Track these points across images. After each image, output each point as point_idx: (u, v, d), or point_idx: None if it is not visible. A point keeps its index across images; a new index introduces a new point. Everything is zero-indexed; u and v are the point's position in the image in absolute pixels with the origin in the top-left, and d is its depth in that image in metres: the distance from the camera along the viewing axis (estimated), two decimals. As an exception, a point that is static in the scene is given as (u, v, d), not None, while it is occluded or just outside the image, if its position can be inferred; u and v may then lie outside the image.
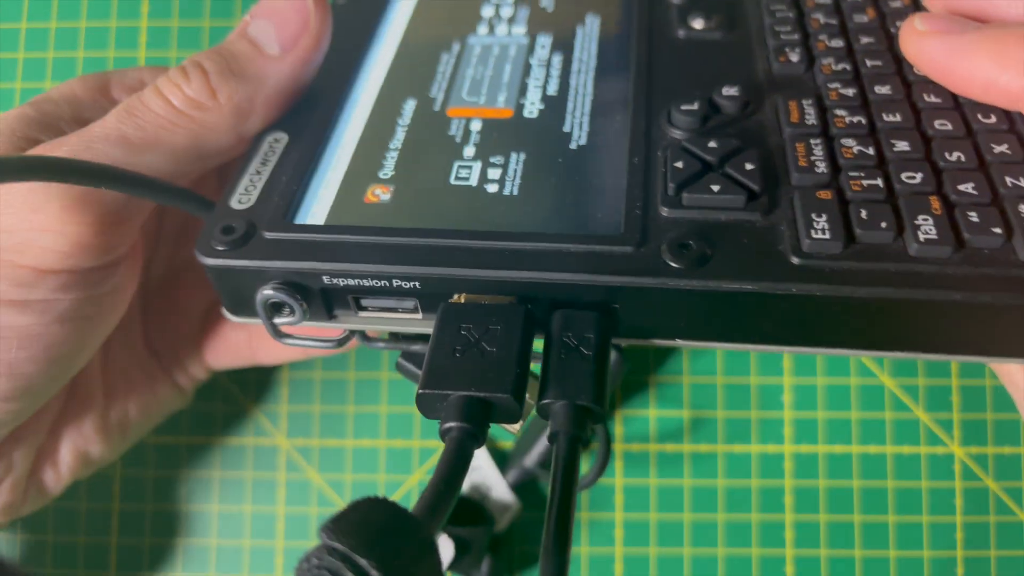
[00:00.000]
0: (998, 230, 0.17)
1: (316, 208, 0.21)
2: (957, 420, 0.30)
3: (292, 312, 0.20)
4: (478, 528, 0.28)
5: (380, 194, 0.21)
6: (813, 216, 0.18)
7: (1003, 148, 0.19)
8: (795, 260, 0.17)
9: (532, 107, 0.23)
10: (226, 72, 0.22)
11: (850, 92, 0.21)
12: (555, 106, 0.23)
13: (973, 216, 0.17)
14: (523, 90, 0.23)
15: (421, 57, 0.25)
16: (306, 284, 0.19)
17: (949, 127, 0.20)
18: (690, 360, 0.31)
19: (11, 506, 0.26)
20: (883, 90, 0.21)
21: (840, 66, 0.22)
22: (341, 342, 0.22)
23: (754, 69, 0.23)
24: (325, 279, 0.19)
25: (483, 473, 0.30)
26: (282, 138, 0.22)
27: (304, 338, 0.21)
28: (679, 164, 0.19)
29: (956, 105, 0.20)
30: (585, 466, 0.29)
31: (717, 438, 0.31)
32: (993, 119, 0.20)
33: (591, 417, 0.17)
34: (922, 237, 0.17)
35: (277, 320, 0.20)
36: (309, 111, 0.23)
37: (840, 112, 0.20)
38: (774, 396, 0.31)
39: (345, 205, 0.21)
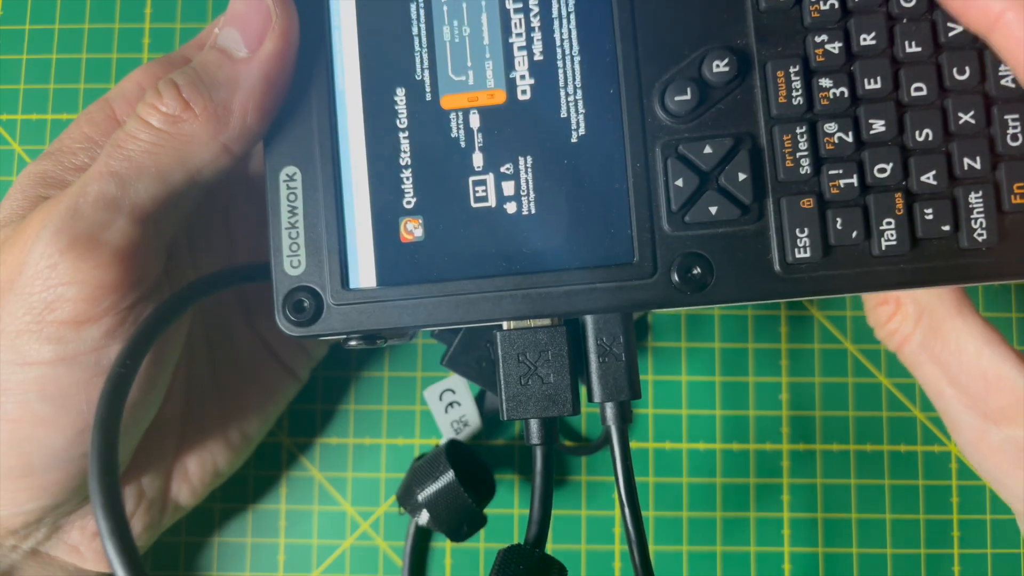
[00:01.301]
0: (947, 227, 0.21)
1: (362, 259, 0.22)
2: (954, 419, 0.31)
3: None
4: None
5: (413, 229, 0.22)
6: (797, 232, 0.21)
7: (968, 117, 0.21)
8: (779, 270, 0.21)
9: (524, 84, 0.23)
10: (197, 82, 0.22)
11: (835, 48, 0.21)
12: (546, 79, 0.23)
13: (928, 213, 0.21)
14: (509, 58, 0.23)
15: (387, 15, 0.24)
16: (380, 334, 0.23)
17: (924, 92, 0.21)
18: (688, 360, 0.31)
19: (151, 526, 0.27)
20: (867, 40, 0.21)
21: (827, 4, 0.21)
22: (412, 336, 0.25)
23: (742, 11, 0.22)
24: (398, 330, 0.23)
25: (463, 409, 0.31)
26: (294, 173, 0.23)
27: (384, 344, 0.25)
28: (679, 182, 0.21)
29: (936, 48, 0.21)
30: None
31: (716, 437, 0.31)
32: (967, 72, 0.21)
33: (631, 404, 0.23)
34: (884, 244, 0.21)
35: (362, 347, 0.24)
36: (303, 122, 0.23)
37: (824, 83, 0.21)
38: (772, 395, 0.31)
39: (387, 253, 0.22)
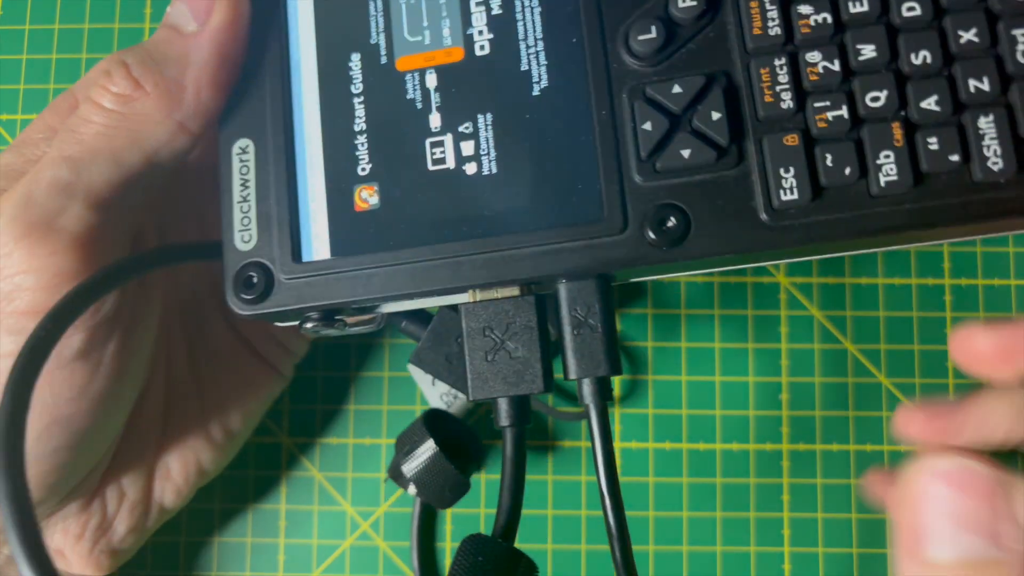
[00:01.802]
0: (955, 157, 0.18)
1: (316, 231, 0.21)
2: (954, 419, 0.31)
3: (333, 327, 0.22)
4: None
5: (368, 198, 0.21)
6: (782, 172, 0.19)
7: (970, 35, 0.18)
8: (765, 217, 0.19)
9: (482, 39, 0.21)
10: (147, 60, 0.21)
11: None
12: (505, 33, 0.21)
13: (933, 143, 0.18)
14: (466, 14, 0.22)
15: None
16: (337, 310, 0.22)
17: (918, 11, 0.19)
18: (688, 360, 0.31)
19: (135, 529, 0.26)
20: None
21: None
22: (379, 322, 0.24)
23: None
24: (353, 303, 0.21)
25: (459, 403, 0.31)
26: (247, 146, 0.22)
27: (348, 329, 0.23)
28: (647, 126, 0.20)
29: None
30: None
31: (716, 437, 0.31)
32: None
33: (610, 380, 0.21)
34: (883, 180, 0.18)
35: (322, 332, 0.22)
36: (257, 95, 0.22)
37: (804, 9, 0.19)
38: (772, 395, 0.31)
39: (342, 223, 0.21)
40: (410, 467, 0.27)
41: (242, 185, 0.22)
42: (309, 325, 0.22)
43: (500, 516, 0.20)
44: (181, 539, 0.32)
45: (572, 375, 0.20)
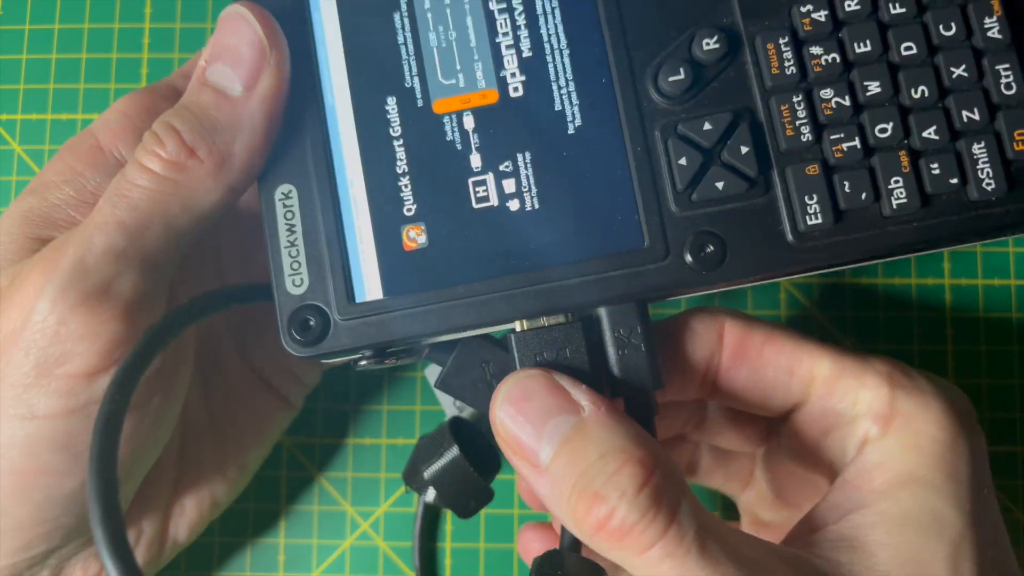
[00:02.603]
0: (954, 180, 0.21)
1: (367, 271, 0.22)
2: (954, 419, 0.31)
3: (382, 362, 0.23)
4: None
5: (415, 237, 0.22)
6: (806, 199, 0.21)
7: (959, 71, 0.21)
8: (792, 239, 0.21)
9: (515, 81, 0.22)
10: (198, 127, 0.21)
11: (821, 16, 0.22)
12: (537, 75, 0.22)
13: (935, 168, 0.21)
14: (497, 57, 0.23)
15: (372, 28, 0.23)
16: (390, 350, 0.23)
17: (913, 49, 0.21)
18: (689, 359, 0.31)
19: (150, 563, 0.26)
20: (852, 5, 0.21)
21: None
22: (421, 354, 0.24)
23: None
24: (409, 339, 0.22)
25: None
26: (290, 191, 0.22)
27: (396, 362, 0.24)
28: (683, 161, 0.21)
29: (920, 9, 0.22)
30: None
31: (716, 436, 0.31)
32: (953, 28, 0.21)
33: (653, 395, 0.22)
34: (895, 203, 0.21)
35: (373, 367, 0.23)
36: (295, 142, 0.23)
37: (815, 50, 0.21)
38: (772, 395, 0.31)
39: (392, 263, 0.22)
40: (433, 473, 0.27)
41: (288, 230, 0.22)
42: (364, 363, 0.22)
43: (566, 532, 0.21)
44: (181, 539, 0.32)
45: (620, 394, 0.22)
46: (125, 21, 0.34)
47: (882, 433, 0.21)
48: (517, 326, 0.22)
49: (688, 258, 0.21)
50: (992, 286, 0.31)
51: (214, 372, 0.28)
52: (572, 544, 0.21)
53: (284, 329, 0.22)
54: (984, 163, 0.21)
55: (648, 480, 0.18)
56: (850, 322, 0.31)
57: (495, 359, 0.23)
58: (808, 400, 0.23)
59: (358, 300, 0.22)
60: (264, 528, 0.32)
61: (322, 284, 0.22)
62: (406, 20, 0.23)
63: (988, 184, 0.21)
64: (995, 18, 0.21)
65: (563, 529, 0.21)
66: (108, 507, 0.19)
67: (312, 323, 0.22)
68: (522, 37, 0.23)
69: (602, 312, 0.22)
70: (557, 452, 0.19)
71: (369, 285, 0.22)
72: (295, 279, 0.22)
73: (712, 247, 0.21)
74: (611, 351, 0.22)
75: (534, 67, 0.22)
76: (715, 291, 0.23)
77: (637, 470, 0.19)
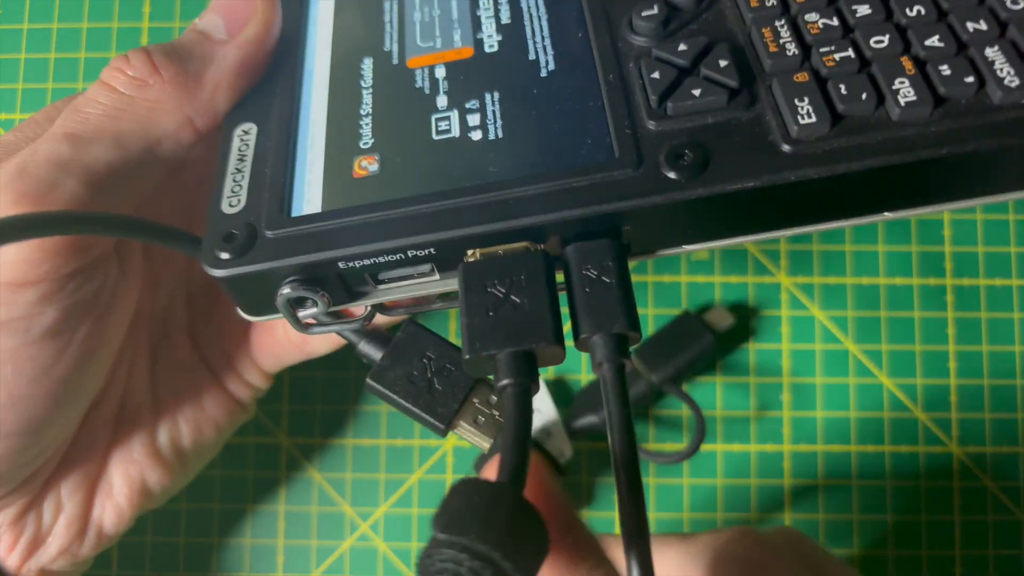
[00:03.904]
0: (970, 79, 0.18)
1: (309, 195, 0.20)
2: (955, 419, 0.31)
3: (314, 304, 0.20)
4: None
5: (367, 166, 0.20)
6: (796, 101, 0.18)
7: None
8: (786, 148, 0.18)
9: (491, 40, 0.22)
10: (170, 52, 0.21)
11: None
12: (513, 34, 0.22)
13: (945, 69, 0.18)
14: (476, 24, 0.23)
15: (362, 9, 0.24)
16: (322, 274, 0.19)
17: None
18: (689, 359, 0.31)
19: (68, 551, 0.25)
20: None
21: None
22: (367, 318, 0.22)
23: None
24: (341, 264, 0.19)
25: (542, 417, 0.30)
26: (250, 128, 0.22)
27: (330, 323, 0.21)
28: (656, 75, 0.20)
29: None
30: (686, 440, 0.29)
31: (717, 437, 0.31)
32: None
33: (628, 340, 0.18)
34: (902, 101, 0.18)
35: (300, 314, 0.20)
36: (266, 93, 0.22)
37: None
38: (773, 396, 0.31)
39: (336, 186, 0.20)
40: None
41: (239, 159, 0.21)
42: (287, 290, 0.19)
43: (504, 470, 0.16)
44: (180, 539, 0.31)
45: (584, 332, 0.18)
46: (124, 20, 0.34)
47: None
48: (468, 256, 0.19)
49: (665, 168, 0.18)
50: (993, 286, 0.31)
51: (164, 349, 0.27)
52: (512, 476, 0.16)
53: (207, 246, 0.19)
54: (1003, 63, 0.18)
55: None
56: (852, 323, 0.31)
57: (438, 353, 0.21)
58: None
59: (293, 215, 0.20)
60: (263, 529, 0.31)
61: (258, 203, 0.20)
62: (395, 4, 0.24)
63: (1012, 82, 0.18)
64: None
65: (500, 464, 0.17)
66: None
67: (236, 234, 0.19)
68: (503, 10, 0.23)
69: (569, 251, 0.19)
70: None
71: (308, 203, 0.20)
72: (232, 200, 0.20)
73: (691, 154, 0.18)
74: (577, 289, 0.18)
75: (512, 29, 0.22)
76: (696, 246, 0.20)
77: None
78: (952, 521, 0.30)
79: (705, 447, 0.31)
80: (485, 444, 0.26)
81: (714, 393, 0.31)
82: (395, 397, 0.21)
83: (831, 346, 0.31)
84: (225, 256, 0.19)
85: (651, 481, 0.31)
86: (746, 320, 0.31)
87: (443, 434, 0.22)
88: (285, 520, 0.31)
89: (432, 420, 0.21)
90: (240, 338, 0.27)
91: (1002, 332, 0.31)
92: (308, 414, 0.32)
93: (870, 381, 0.31)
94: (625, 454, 0.16)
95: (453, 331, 0.32)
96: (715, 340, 0.30)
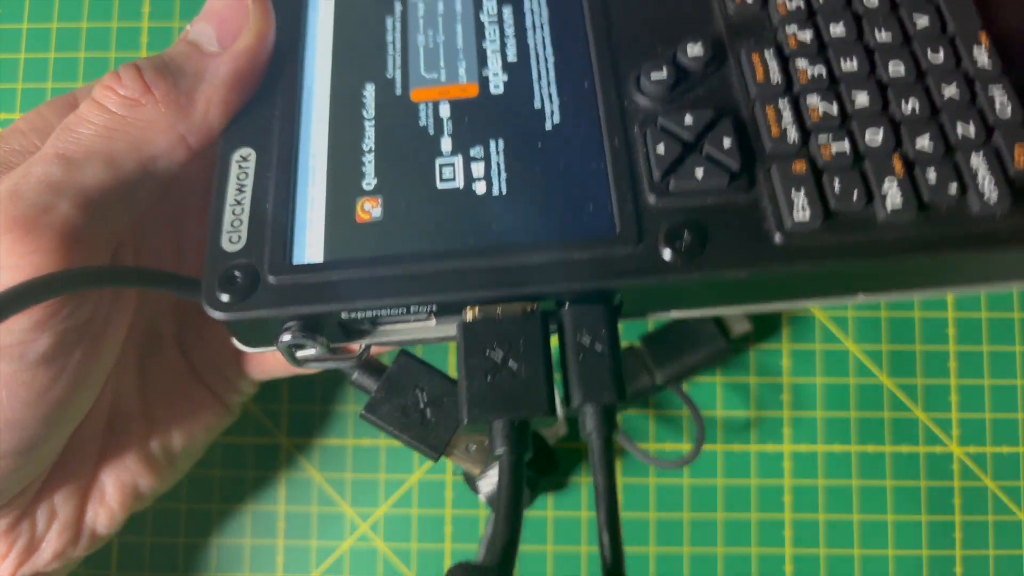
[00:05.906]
0: (953, 190, 0.19)
1: (311, 239, 0.20)
2: (956, 419, 0.31)
3: (313, 347, 0.20)
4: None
5: (370, 209, 0.20)
6: (792, 194, 0.19)
7: (951, 91, 0.20)
8: (779, 239, 0.19)
9: (496, 79, 0.22)
10: (161, 68, 0.21)
11: (807, 37, 0.21)
12: (519, 75, 0.22)
13: (931, 175, 0.19)
14: (482, 58, 0.22)
15: (364, 26, 0.24)
16: (323, 323, 0.20)
17: (902, 71, 0.21)
18: (689, 360, 0.31)
19: (62, 555, 0.25)
20: (837, 30, 0.21)
21: (793, 4, 0.22)
22: (362, 355, 0.22)
23: (710, 10, 0.22)
24: (343, 315, 0.19)
25: None
26: (249, 155, 0.21)
27: (326, 359, 0.21)
28: (660, 150, 0.20)
29: (905, 39, 0.21)
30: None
31: (716, 438, 0.31)
32: (941, 55, 0.21)
33: (616, 408, 0.19)
34: (889, 206, 0.19)
35: (298, 354, 0.21)
36: (265, 113, 0.22)
37: (801, 64, 0.21)
38: (773, 396, 0.31)
39: (339, 231, 0.20)
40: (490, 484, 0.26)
41: (238, 189, 0.21)
42: (287, 337, 0.19)
43: (494, 549, 0.17)
44: (180, 540, 0.31)
45: (575, 402, 0.19)
46: (123, 20, 0.34)
47: None
48: (468, 314, 0.19)
49: (663, 247, 0.19)
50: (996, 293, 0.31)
51: (153, 359, 0.27)
52: (500, 566, 0.17)
53: (207, 287, 0.19)
54: (985, 173, 0.19)
55: None
56: (852, 323, 0.31)
57: (431, 385, 0.21)
58: None
59: (295, 262, 0.20)
60: (263, 529, 0.31)
61: (259, 244, 0.20)
62: (398, 23, 0.23)
63: (989, 197, 0.19)
64: (983, 47, 0.21)
65: (490, 547, 0.17)
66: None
67: (239, 278, 0.19)
68: (509, 45, 0.23)
69: (565, 314, 0.19)
70: None
71: (311, 249, 0.20)
72: (232, 236, 0.20)
73: (689, 236, 0.19)
74: (571, 355, 0.19)
75: (518, 70, 0.22)
76: (681, 313, 0.21)
77: None
78: (952, 521, 0.30)
79: (705, 447, 0.31)
80: (475, 469, 0.26)
81: (714, 393, 0.31)
82: (390, 428, 0.22)
83: (831, 346, 0.31)
84: (226, 299, 0.19)
85: (651, 481, 0.31)
86: (750, 321, 0.31)
87: (436, 460, 0.22)
88: (285, 520, 0.31)
89: (426, 449, 0.22)
90: (229, 349, 0.27)
91: (1002, 332, 0.31)
92: (308, 414, 0.32)
93: (870, 381, 0.31)
94: (609, 519, 0.18)
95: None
96: (729, 346, 0.30)
